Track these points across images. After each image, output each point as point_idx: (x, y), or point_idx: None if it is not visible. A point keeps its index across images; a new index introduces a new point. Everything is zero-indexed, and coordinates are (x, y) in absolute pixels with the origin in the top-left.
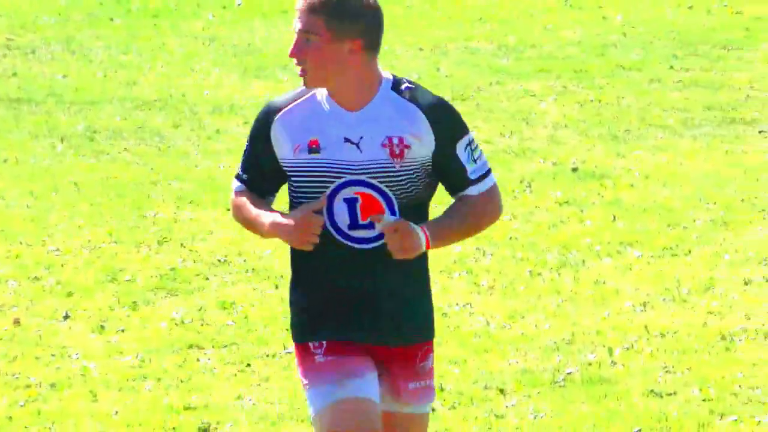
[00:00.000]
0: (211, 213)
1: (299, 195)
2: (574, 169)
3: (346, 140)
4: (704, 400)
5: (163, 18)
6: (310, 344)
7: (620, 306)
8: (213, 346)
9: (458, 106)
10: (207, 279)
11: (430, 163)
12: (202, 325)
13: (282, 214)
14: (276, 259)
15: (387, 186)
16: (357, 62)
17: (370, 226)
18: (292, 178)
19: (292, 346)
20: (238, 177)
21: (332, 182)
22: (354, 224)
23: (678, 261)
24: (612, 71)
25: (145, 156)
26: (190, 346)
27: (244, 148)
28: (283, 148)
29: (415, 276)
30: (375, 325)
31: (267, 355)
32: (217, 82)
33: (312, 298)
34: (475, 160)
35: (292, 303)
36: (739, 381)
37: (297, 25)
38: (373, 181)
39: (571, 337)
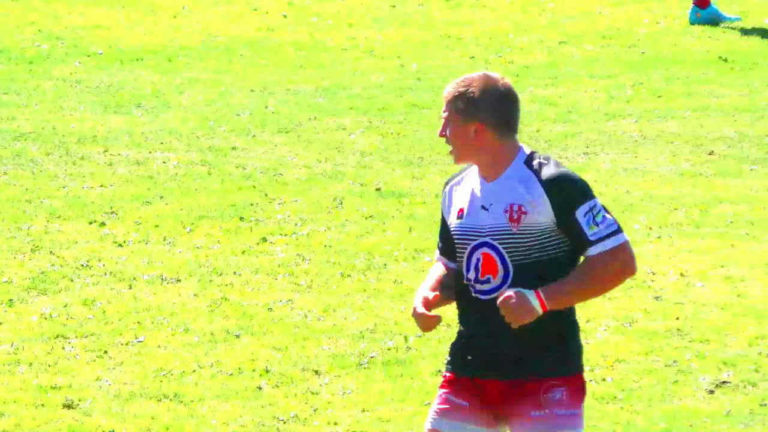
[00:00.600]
0: (76, 225)
1: (457, 254)
2: (378, 189)
3: (482, 207)
4: None
5: (37, 64)
6: (445, 373)
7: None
8: (76, 336)
9: (282, 137)
10: (72, 281)
11: (554, 229)
12: (67, 318)
13: (420, 290)
14: (130, 264)
15: (504, 247)
16: (483, 141)
17: (486, 281)
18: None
19: (143, 336)
20: (437, 246)
21: (468, 243)
22: (476, 279)
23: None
24: (409, 109)
25: (21, 179)
26: (57, 336)
27: None
28: (449, 215)
29: (536, 324)
30: (495, 364)
31: (121, 344)
32: (82, 118)
33: (458, 337)
34: (597, 224)
35: None
36: None
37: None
38: (494, 243)
39: (374, 327)
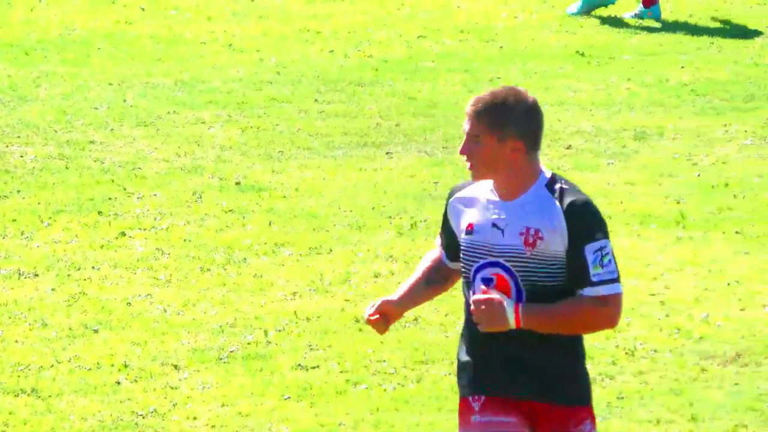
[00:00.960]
0: None
1: (462, 267)
2: (238, 183)
3: (494, 225)
4: (341, 372)
5: None
6: (469, 398)
7: (274, 295)
8: None
9: (140, 131)
10: None
11: (564, 258)
12: None
13: (392, 296)
14: None
15: (517, 270)
16: (517, 160)
17: None
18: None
19: (0, 331)
20: (441, 239)
21: (476, 261)
22: None
23: (321, 258)
24: (268, 103)
25: None
26: None
27: None
28: (455, 225)
29: (552, 342)
30: (519, 381)
31: None
32: None
33: (469, 359)
34: (602, 266)
35: (457, 361)
36: (369, 356)
37: (465, 127)
38: (508, 265)
39: (234, 321)
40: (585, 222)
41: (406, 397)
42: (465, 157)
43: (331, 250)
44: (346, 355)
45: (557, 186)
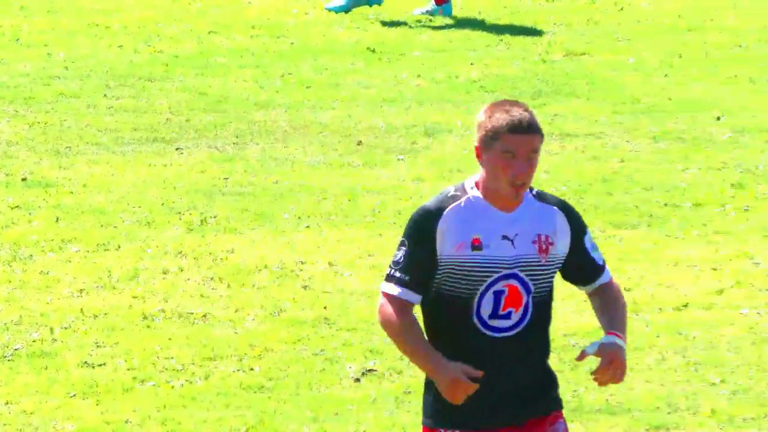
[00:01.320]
0: None
1: (455, 287)
2: (24, 179)
3: (504, 237)
4: (129, 369)
5: None
6: (440, 430)
7: (61, 292)
8: None
9: None
10: None
11: (563, 261)
12: None
13: (443, 360)
14: None
15: (531, 279)
16: None
17: (507, 316)
18: (449, 273)
19: None
20: (396, 280)
21: (489, 276)
22: (494, 314)
23: (109, 254)
24: (56, 98)
25: None
26: None
27: (402, 253)
28: (446, 245)
29: (541, 357)
30: (506, 406)
31: None
32: None
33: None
34: (596, 250)
35: (430, 385)
36: (157, 353)
37: (526, 146)
38: (522, 275)
39: (19, 319)
40: (577, 217)
41: (193, 394)
42: (522, 181)
43: (119, 247)
44: (133, 352)
45: (535, 191)
